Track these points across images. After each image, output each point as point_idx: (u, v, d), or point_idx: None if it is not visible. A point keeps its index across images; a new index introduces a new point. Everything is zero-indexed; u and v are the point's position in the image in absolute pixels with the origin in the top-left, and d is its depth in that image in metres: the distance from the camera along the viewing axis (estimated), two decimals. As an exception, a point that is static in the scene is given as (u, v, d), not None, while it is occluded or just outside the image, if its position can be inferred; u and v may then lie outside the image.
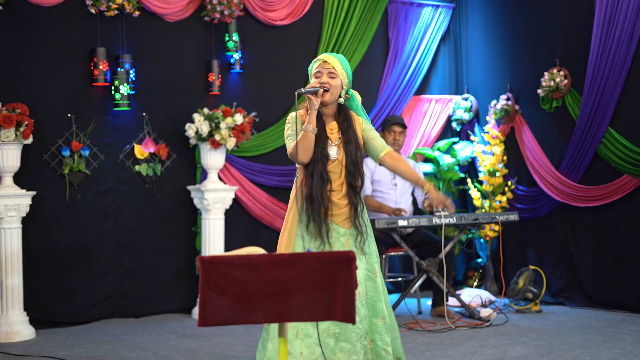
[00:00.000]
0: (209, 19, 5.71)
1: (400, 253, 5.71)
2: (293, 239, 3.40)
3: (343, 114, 3.49)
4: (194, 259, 5.81)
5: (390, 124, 5.86)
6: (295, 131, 3.34)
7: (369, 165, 5.80)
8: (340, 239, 3.43)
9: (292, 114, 3.46)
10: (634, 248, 5.52)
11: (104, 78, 5.36)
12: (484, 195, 6.57)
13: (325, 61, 3.41)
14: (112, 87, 5.42)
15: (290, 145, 3.38)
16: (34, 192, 5.06)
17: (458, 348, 4.55)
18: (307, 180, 3.37)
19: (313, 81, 3.45)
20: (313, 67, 3.47)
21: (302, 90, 3.34)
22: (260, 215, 5.98)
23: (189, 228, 5.81)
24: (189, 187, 5.73)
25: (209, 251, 5.55)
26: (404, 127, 5.88)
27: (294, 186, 3.50)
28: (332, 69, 3.40)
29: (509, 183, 6.42)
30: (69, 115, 5.34)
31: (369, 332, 3.44)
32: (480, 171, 6.62)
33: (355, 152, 3.44)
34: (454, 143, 6.87)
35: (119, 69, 5.39)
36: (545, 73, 5.99)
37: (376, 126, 6.35)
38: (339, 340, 3.35)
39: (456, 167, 6.74)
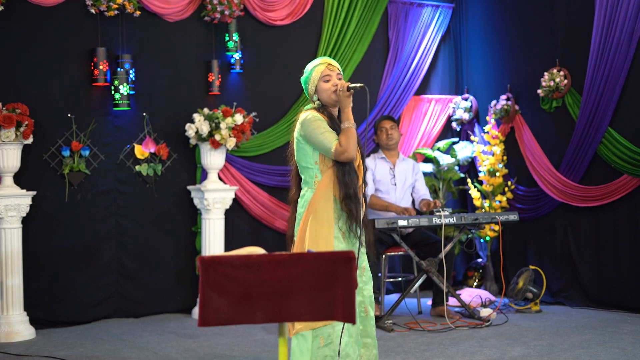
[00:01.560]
0: (209, 19, 5.71)
1: (400, 253, 5.71)
2: (332, 241, 3.34)
3: None
4: (194, 259, 5.81)
5: (379, 122, 5.87)
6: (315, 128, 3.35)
7: (368, 164, 5.80)
8: (363, 235, 3.48)
9: (312, 113, 3.38)
10: (634, 248, 5.52)
11: (104, 78, 5.36)
12: (484, 195, 6.57)
13: (331, 64, 3.44)
14: (112, 87, 5.42)
15: (332, 142, 3.30)
16: (34, 192, 5.07)
17: (458, 348, 4.55)
18: (344, 180, 3.34)
19: (323, 85, 3.40)
20: (315, 71, 3.42)
21: (358, 85, 3.34)
22: (260, 215, 5.98)
23: (189, 228, 5.81)
24: (189, 187, 5.73)
25: (209, 251, 5.56)
26: (394, 121, 5.88)
27: (314, 188, 3.38)
28: (338, 70, 3.45)
29: (509, 183, 6.42)
30: (69, 115, 5.34)
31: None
32: (480, 171, 6.62)
33: (362, 150, 3.52)
34: (454, 143, 6.87)
35: (119, 69, 5.39)
36: (545, 73, 6.00)
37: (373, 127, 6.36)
38: (362, 336, 3.41)
39: (456, 167, 6.75)
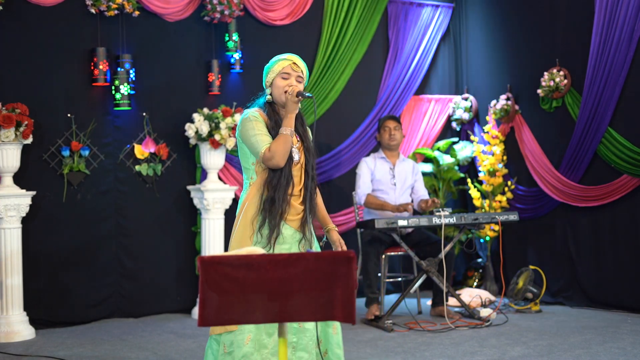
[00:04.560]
0: (209, 19, 5.71)
1: (400, 253, 5.71)
2: (248, 243, 3.22)
3: (300, 119, 3.39)
4: (194, 259, 5.81)
5: (384, 121, 5.87)
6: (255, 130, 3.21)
7: (368, 163, 5.80)
8: (287, 240, 3.28)
9: (252, 113, 3.27)
10: (634, 248, 5.52)
11: (104, 78, 5.36)
12: (484, 195, 6.57)
13: (295, 64, 3.29)
14: (112, 87, 5.42)
15: (262, 146, 3.19)
16: (34, 192, 5.06)
17: (458, 348, 4.55)
18: (271, 182, 3.23)
19: (279, 82, 3.27)
20: (278, 65, 3.29)
21: (307, 94, 3.24)
22: (260, 215, 5.97)
23: (189, 228, 5.81)
24: (189, 187, 5.73)
25: (209, 251, 5.55)
26: (398, 122, 5.88)
27: (248, 189, 3.28)
28: (301, 72, 3.31)
29: (509, 183, 6.42)
30: (69, 115, 5.34)
31: (322, 340, 3.29)
32: (480, 171, 6.62)
33: (312, 157, 3.37)
34: (454, 143, 6.87)
35: (119, 69, 5.39)
36: (545, 73, 5.99)
37: (374, 127, 6.36)
38: (297, 350, 3.21)
39: (456, 167, 6.75)
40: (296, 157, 3.30)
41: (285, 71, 3.28)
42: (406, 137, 6.76)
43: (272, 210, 3.21)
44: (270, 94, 3.31)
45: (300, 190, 3.31)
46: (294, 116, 3.24)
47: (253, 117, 3.25)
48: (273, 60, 3.32)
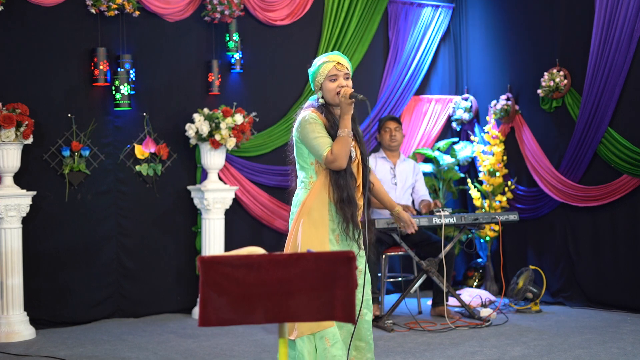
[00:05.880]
0: (209, 19, 5.71)
1: (400, 253, 5.71)
2: (327, 244, 3.29)
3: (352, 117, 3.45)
4: (194, 259, 5.81)
5: (384, 122, 5.88)
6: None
7: (369, 163, 5.80)
8: (360, 238, 3.42)
9: (310, 114, 3.31)
10: (634, 248, 5.52)
11: (104, 78, 5.36)
12: (484, 195, 6.57)
13: (340, 63, 3.33)
14: (113, 87, 5.42)
15: (324, 149, 3.25)
16: (34, 192, 5.07)
17: (458, 348, 4.55)
18: (338, 182, 3.29)
19: (329, 85, 3.31)
20: (323, 68, 3.33)
21: (360, 96, 3.30)
22: (261, 215, 5.98)
23: (189, 228, 5.81)
24: (189, 187, 5.73)
25: (209, 251, 5.56)
26: (399, 122, 5.89)
27: (308, 188, 3.34)
28: (347, 69, 3.35)
29: (509, 183, 6.42)
30: (69, 115, 5.34)
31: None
32: (480, 171, 6.62)
33: (364, 149, 3.48)
34: (454, 143, 6.87)
35: (119, 69, 5.39)
36: (545, 73, 5.99)
37: (375, 127, 6.35)
38: (354, 339, 3.34)
39: (456, 167, 6.75)
40: (353, 154, 3.38)
41: (331, 73, 3.33)
42: (406, 137, 6.77)
43: (347, 209, 3.29)
44: (322, 97, 3.37)
45: (359, 185, 3.40)
46: (350, 117, 3.30)
47: (312, 120, 3.31)
48: (317, 65, 3.37)
